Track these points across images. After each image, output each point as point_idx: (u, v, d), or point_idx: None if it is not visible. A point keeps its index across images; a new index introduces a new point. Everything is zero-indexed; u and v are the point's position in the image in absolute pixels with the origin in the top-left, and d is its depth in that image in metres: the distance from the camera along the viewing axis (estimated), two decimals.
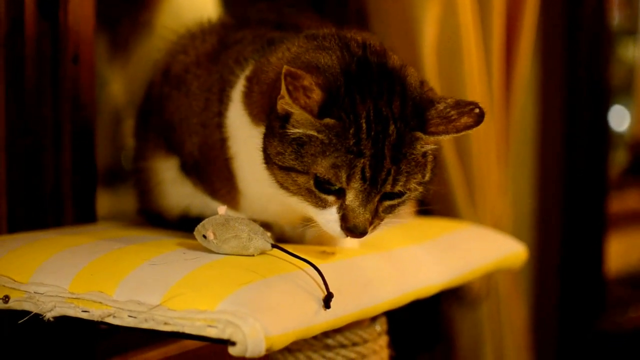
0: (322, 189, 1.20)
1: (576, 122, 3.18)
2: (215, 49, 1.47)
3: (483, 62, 2.34)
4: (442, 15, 2.20)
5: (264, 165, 1.25)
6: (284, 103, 1.17)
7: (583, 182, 3.20)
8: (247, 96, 1.33)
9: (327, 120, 1.17)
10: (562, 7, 3.12)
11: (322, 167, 1.18)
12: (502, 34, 2.43)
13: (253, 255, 1.23)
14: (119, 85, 2.55)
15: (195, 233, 1.25)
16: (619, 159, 4.09)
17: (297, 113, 1.18)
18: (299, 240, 1.36)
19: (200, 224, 1.24)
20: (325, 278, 1.20)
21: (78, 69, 1.65)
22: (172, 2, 2.55)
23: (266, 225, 1.30)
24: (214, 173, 1.42)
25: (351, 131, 1.17)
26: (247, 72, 1.36)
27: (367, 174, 1.18)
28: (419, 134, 1.21)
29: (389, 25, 2.19)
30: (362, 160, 1.18)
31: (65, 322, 1.23)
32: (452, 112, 1.21)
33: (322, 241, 1.36)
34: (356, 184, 1.19)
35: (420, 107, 1.22)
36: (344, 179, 1.18)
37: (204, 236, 1.24)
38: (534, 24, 2.60)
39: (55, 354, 1.63)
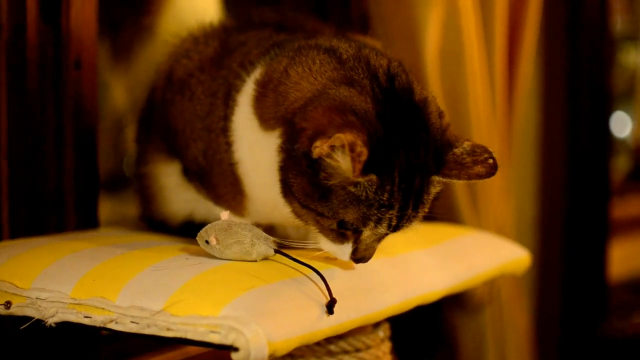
0: (343, 227, 1.22)
1: (578, 127, 3.18)
2: (217, 53, 1.45)
3: (485, 66, 2.34)
4: (445, 19, 2.20)
5: (281, 195, 1.25)
6: (324, 154, 1.16)
7: (586, 188, 3.19)
8: (258, 100, 1.31)
9: (370, 177, 1.17)
10: (564, 13, 3.12)
11: (351, 216, 1.19)
12: (504, 39, 2.43)
13: (256, 261, 1.23)
14: (121, 91, 2.55)
15: (197, 238, 1.25)
16: (621, 165, 4.08)
17: (337, 164, 1.17)
18: (302, 246, 1.36)
19: (203, 229, 1.24)
20: (329, 283, 1.19)
21: (80, 74, 1.65)
22: (174, 7, 2.55)
23: (269, 231, 1.30)
24: (218, 178, 1.41)
25: (387, 187, 1.18)
26: (257, 75, 1.34)
27: (393, 223, 1.21)
28: (435, 177, 1.23)
29: (392, 29, 2.19)
30: (391, 212, 1.20)
31: (67, 328, 1.22)
32: (468, 159, 1.22)
33: None
34: (381, 230, 1.21)
35: (440, 151, 1.23)
36: (371, 226, 1.20)
37: (207, 242, 1.23)
38: (536, 29, 2.60)
39: None
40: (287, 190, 1.23)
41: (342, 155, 1.15)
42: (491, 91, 2.37)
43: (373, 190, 1.18)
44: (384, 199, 1.18)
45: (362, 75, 1.23)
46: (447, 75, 2.24)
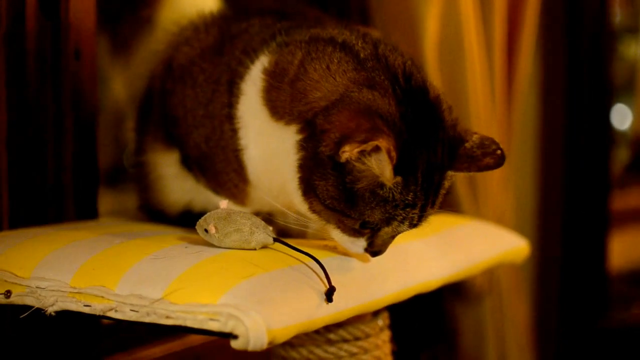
0: (365, 227, 1.23)
1: (578, 119, 3.18)
2: (217, 41, 1.45)
3: (485, 59, 2.34)
4: (444, 12, 2.20)
5: (300, 193, 1.25)
6: (354, 159, 1.17)
7: (585, 180, 3.19)
8: (270, 92, 1.31)
9: (397, 179, 1.19)
10: (563, 5, 3.12)
11: (376, 217, 1.21)
12: (503, 31, 2.43)
13: (255, 249, 1.23)
14: (121, 83, 2.55)
15: (197, 227, 1.25)
16: (621, 156, 4.09)
17: (365, 168, 1.18)
18: (301, 234, 1.36)
19: (202, 218, 1.24)
20: (328, 271, 1.20)
21: (79, 64, 1.65)
22: None
23: (268, 220, 1.30)
24: (221, 165, 1.40)
25: (412, 187, 1.19)
26: (266, 64, 1.33)
27: (415, 222, 1.23)
28: (449, 172, 1.25)
29: (391, 21, 2.19)
30: (414, 211, 1.21)
31: (68, 318, 1.23)
32: (478, 152, 1.24)
33: (325, 235, 1.36)
34: (402, 228, 1.23)
35: (453, 146, 1.24)
36: (394, 225, 1.22)
37: (206, 230, 1.23)
38: (536, 21, 2.60)
39: (58, 351, 1.63)
40: (310, 191, 1.24)
41: (373, 160, 1.16)
42: (490, 83, 2.37)
43: (399, 191, 1.19)
44: (409, 198, 1.20)
45: (382, 77, 1.23)
46: (446, 66, 2.24)
